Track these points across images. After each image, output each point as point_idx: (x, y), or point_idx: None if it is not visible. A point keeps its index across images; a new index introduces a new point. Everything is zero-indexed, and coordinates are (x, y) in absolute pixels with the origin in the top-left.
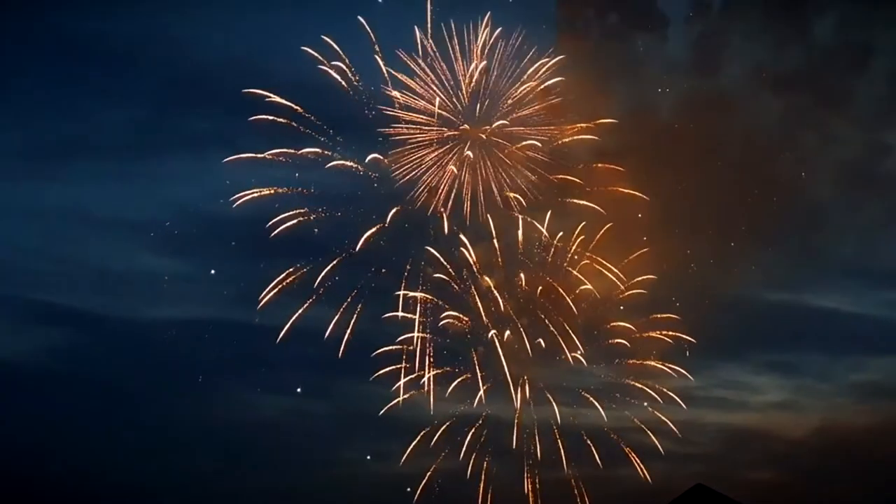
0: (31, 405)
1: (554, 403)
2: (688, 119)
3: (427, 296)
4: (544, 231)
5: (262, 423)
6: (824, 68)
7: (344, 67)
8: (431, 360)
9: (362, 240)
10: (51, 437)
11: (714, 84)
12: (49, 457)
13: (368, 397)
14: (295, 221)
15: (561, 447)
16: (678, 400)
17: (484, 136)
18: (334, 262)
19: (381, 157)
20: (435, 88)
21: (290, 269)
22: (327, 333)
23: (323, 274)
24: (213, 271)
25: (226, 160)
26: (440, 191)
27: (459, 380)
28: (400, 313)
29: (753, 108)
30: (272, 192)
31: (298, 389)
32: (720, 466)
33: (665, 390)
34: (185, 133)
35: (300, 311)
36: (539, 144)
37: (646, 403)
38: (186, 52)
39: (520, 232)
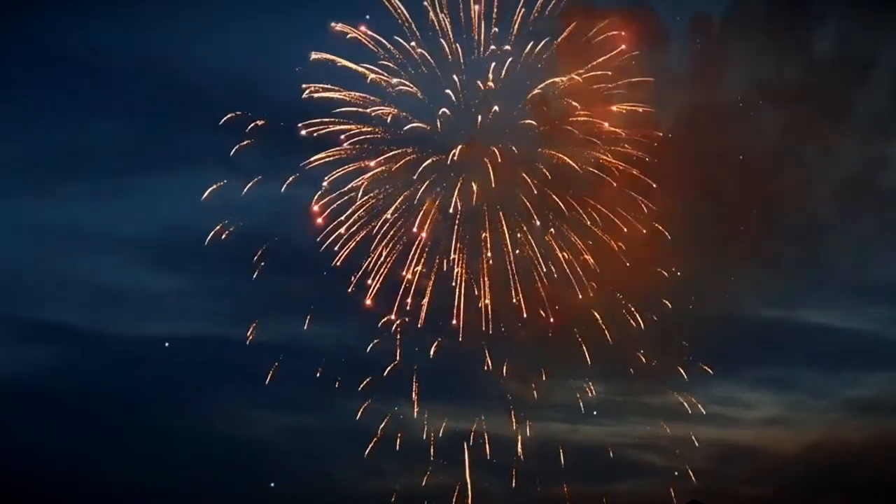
0: (24, 423)
1: (552, 422)
2: (687, 133)
3: (417, 317)
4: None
5: (257, 438)
6: (825, 81)
7: (338, 88)
8: (421, 383)
9: (355, 279)
10: (45, 452)
11: (714, 97)
12: (45, 465)
13: (365, 415)
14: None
15: (559, 464)
16: (673, 416)
17: (489, 161)
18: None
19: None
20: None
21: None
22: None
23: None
24: (206, 287)
25: (203, 197)
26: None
27: (454, 403)
28: (396, 335)
29: (754, 121)
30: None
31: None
32: (715, 482)
33: (661, 407)
34: (178, 149)
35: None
36: (546, 170)
37: (642, 420)
38: (180, 68)
39: (519, 251)
